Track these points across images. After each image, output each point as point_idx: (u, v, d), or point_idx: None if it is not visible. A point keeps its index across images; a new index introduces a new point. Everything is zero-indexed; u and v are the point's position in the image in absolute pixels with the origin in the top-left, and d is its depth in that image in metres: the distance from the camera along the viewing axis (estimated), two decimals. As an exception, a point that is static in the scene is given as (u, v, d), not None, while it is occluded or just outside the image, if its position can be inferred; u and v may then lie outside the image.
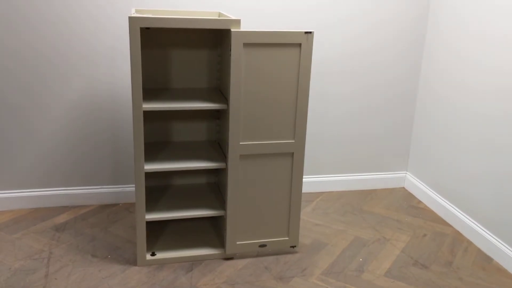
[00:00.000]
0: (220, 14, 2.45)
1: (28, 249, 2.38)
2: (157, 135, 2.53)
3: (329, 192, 3.16)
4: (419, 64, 3.07)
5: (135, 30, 1.98)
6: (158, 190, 2.54)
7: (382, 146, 3.18)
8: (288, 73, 2.17)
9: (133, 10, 2.27)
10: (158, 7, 2.63)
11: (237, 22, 2.08)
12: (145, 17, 1.98)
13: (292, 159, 2.30)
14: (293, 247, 2.43)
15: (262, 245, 2.38)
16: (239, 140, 2.21)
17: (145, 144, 2.50)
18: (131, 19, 1.96)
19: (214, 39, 2.45)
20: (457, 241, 2.63)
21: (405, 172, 3.27)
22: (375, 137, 3.15)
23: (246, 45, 2.09)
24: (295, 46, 2.15)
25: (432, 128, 2.99)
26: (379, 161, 3.20)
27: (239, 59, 2.09)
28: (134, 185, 2.89)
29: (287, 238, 2.40)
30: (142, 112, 2.09)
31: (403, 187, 3.28)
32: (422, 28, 2.99)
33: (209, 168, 2.27)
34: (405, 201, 3.08)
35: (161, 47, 2.40)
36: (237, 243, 2.34)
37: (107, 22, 2.61)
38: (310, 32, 2.14)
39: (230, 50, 2.08)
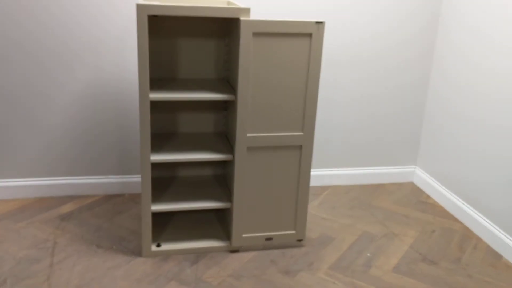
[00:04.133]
0: (229, 3, 2.40)
1: (33, 238, 2.36)
2: (164, 126, 2.50)
3: (337, 186, 3.12)
4: (432, 49, 3.01)
5: (143, 18, 1.95)
6: (164, 181, 2.51)
7: (391, 141, 3.13)
8: (298, 64, 2.13)
9: (140, -2, 2.23)
10: (166, -5, 2.59)
11: (246, 10, 2.04)
12: (153, 4, 1.94)
13: (300, 152, 2.26)
14: (299, 241, 2.40)
15: (268, 238, 2.35)
16: (247, 132, 2.17)
17: (152, 134, 2.47)
18: (139, 7, 1.93)
19: (223, 28, 2.40)
20: (466, 237, 2.59)
21: (414, 166, 3.23)
22: (384, 131, 3.10)
23: (256, 34, 2.05)
24: (305, 36, 2.10)
25: (442, 123, 2.93)
26: (388, 155, 3.15)
27: (248, 49, 2.05)
28: (140, 176, 2.87)
29: (293, 232, 2.37)
30: (149, 102, 2.06)
31: (412, 182, 3.23)
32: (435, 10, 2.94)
33: (216, 160, 2.24)
34: (414, 196, 3.04)
35: (168, 36, 2.36)
36: (243, 235, 2.32)
37: (112, 10, 2.57)
38: (321, 22, 2.10)
39: (239, 40, 2.04)
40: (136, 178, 2.87)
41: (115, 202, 2.76)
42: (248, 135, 2.18)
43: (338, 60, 2.89)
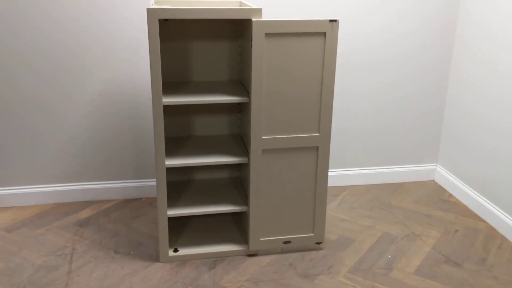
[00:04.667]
0: (241, 3, 2.37)
1: (51, 245, 2.37)
2: (178, 129, 2.48)
3: (355, 186, 3.07)
4: (450, 50, 2.93)
5: (154, 22, 1.93)
6: (180, 185, 2.50)
7: (410, 138, 3.06)
8: (312, 64, 2.09)
9: (152, 1, 2.21)
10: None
11: (258, 11, 2.00)
12: (163, 8, 1.92)
13: (317, 153, 2.22)
14: (318, 243, 2.36)
15: (287, 242, 2.32)
16: (261, 134, 2.14)
17: (166, 138, 2.46)
18: (150, 11, 1.91)
19: (235, 30, 2.37)
20: (491, 237, 2.51)
21: (435, 164, 3.15)
22: (403, 128, 3.03)
23: (268, 35, 2.01)
24: (319, 35, 2.06)
25: (464, 119, 2.85)
26: (407, 153, 3.09)
27: (260, 50, 2.02)
28: (155, 180, 2.86)
29: (312, 235, 2.33)
30: (162, 107, 2.04)
31: (433, 180, 3.16)
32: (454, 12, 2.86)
33: (231, 163, 2.21)
34: (435, 194, 2.97)
35: (181, 39, 2.34)
36: (261, 239, 2.28)
37: (128, 13, 2.56)
38: (335, 20, 2.05)
39: (251, 41, 2.01)
40: (153, 182, 2.86)
41: (132, 207, 2.76)
42: (263, 137, 2.14)
43: (358, 63, 2.84)
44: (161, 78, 2.01)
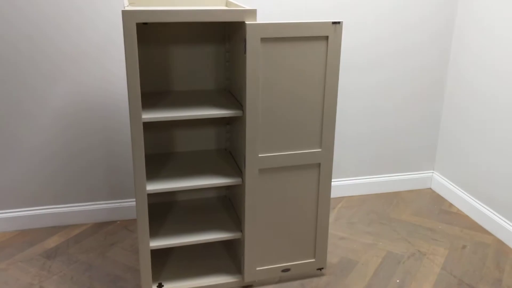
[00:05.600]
0: (227, 3, 2.09)
1: (15, 283, 2.05)
2: (159, 145, 2.19)
3: (350, 196, 2.85)
4: (448, 51, 2.74)
5: (131, 27, 1.63)
6: (161, 208, 2.21)
7: (406, 143, 2.86)
8: (313, 71, 1.84)
9: (126, 1, 1.91)
10: (153, -5, 2.27)
11: (253, 12, 1.73)
12: (141, 10, 1.62)
13: (318, 170, 1.97)
14: (320, 269, 2.12)
15: (285, 270, 2.07)
16: (258, 152, 1.87)
17: (145, 156, 2.16)
18: (125, 14, 1.61)
19: (221, 32, 2.10)
20: (502, 252, 2.34)
21: (431, 171, 2.97)
22: (398, 133, 2.83)
23: (264, 40, 1.75)
24: (321, 40, 1.81)
25: (462, 123, 2.67)
26: (402, 160, 2.89)
27: (256, 57, 1.75)
28: (132, 200, 2.56)
29: (313, 260, 2.09)
30: (141, 124, 1.75)
31: (430, 188, 2.98)
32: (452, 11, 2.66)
33: (223, 185, 1.94)
34: (435, 204, 2.78)
35: (158, 43, 2.05)
36: (257, 269, 2.03)
37: (96, 15, 2.24)
38: (339, 22, 1.80)
39: (245, 47, 1.74)
40: (128, 203, 2.56)
41: (106, 232, 2.45)
42: (260, 155, 1.88)
43: (351, 66, 2.60)
44: (140, 91, 1.72)
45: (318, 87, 1.86)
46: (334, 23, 1.80)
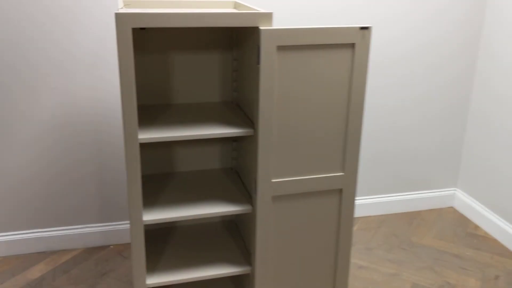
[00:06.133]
0: (236, 5, 1.85)
1: (-8, 324, 1.80)
2: (157, 164, 1.94)
3: (367, 217, 2.61)
4: (474, 64, 2.50)
5: (125, 32, 1.38)
6: (159, 235, 1.96)
7: (426, 160, 2.62)
8: (336, 84, 1.59)
9: (120, 3, 1.66)
10: (151, -5, 2.02)
11: (268, 16, 1.49)
12: (139, 13, 1.37)
13: (340, 197, 1.73)
14: (339, 306, 1.88)
15: (301, 308, 1.82)
16: (271, 177, 1.63)
17: (142, 178, 1.91)
18: (120, 17, 1.36)
19: (228, 37, 1.85)
20: (539, 284, 2.10)
21: (454, 189, 2.72)
22: (419, 150, 2.59)
23: (281, 48, 1.50)
24: (346, 47, 1.56)
25: (487, 138, 2.43)
26: (422, 177, 2.64)
27: (271, 67, 1.51)
28: (126, 222, 2.31)
29: (332, 296, 1.85)
30: (138, 145, 1.50)
31: (452, 207, 2.73)
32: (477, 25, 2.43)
33: (231, 213, 1.69)
34: (459, 226, 2.54)
35: (158, 49, 1.80)
36: (269, 307, 1.78)
37: (87, 17, 1.99)
38: (367, 28, 1.56)
39: (259, 56, 1.49)
40: (122, 225, 2.31)
41: (97, 259, 2.20)
42: (273, 180, 1.64)
43: (370, 80, 2.36)
44: (136, 106, 1.47)
45: (341, 103, 1.62)
46: (362, 28, 1.55)
